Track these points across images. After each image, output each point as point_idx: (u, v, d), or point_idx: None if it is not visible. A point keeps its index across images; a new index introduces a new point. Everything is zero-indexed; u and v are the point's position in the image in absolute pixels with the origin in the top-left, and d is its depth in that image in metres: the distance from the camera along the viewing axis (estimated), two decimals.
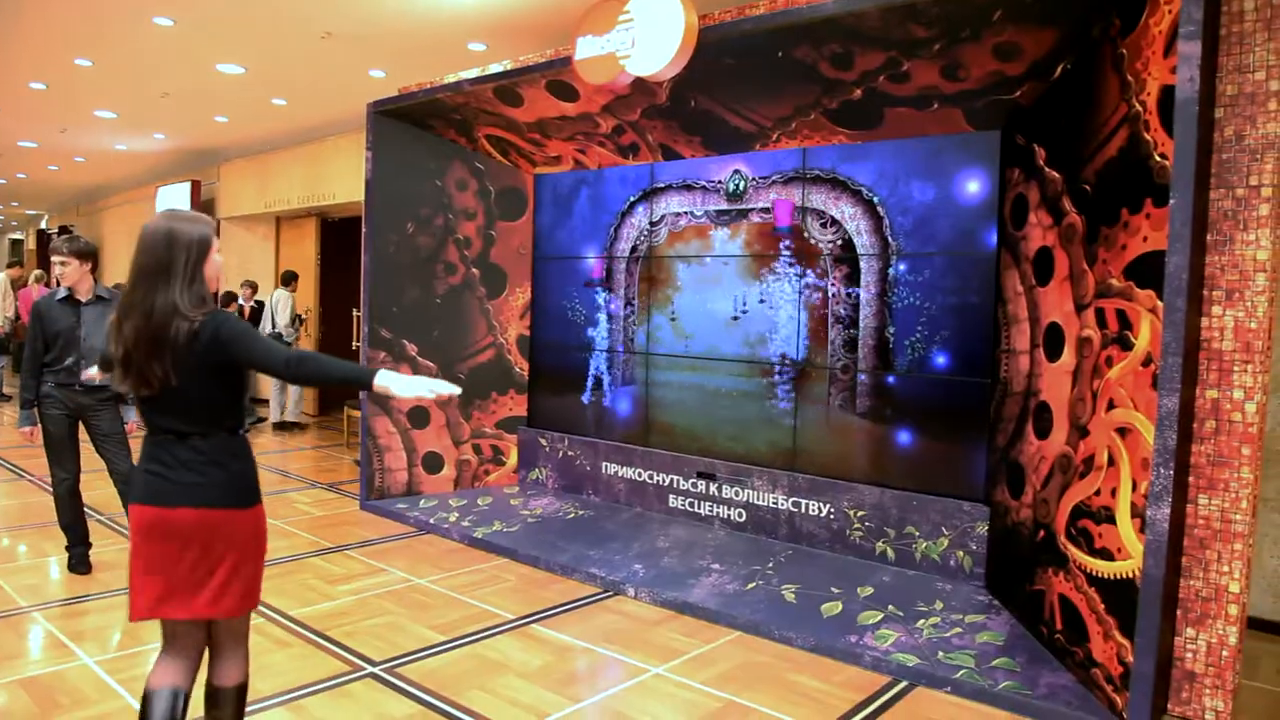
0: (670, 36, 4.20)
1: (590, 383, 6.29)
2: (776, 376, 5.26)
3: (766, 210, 5.28)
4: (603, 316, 6.20)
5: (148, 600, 2.37)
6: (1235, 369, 3.34)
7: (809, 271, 5.10)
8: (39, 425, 4.54)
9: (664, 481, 5.65)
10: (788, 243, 5.19)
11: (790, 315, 5.18)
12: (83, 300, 4.54)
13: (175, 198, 12.57)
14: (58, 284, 4.61)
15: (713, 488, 5.39)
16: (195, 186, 12.34)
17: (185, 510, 2.33)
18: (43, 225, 20.94)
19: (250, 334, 2.37)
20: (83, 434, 4.67)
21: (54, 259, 4.48)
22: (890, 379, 4.79)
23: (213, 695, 2.53)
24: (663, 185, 5.80)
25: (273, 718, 3.20)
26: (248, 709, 3.05)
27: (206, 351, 2.30)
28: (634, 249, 5.98)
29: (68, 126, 10.35)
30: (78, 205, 17.84)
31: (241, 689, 2.56)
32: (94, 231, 16.31)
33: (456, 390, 2.42)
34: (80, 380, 4.50)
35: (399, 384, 2.34)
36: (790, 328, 5.18)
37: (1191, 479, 3.41)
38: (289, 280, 9.80)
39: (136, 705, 3.23)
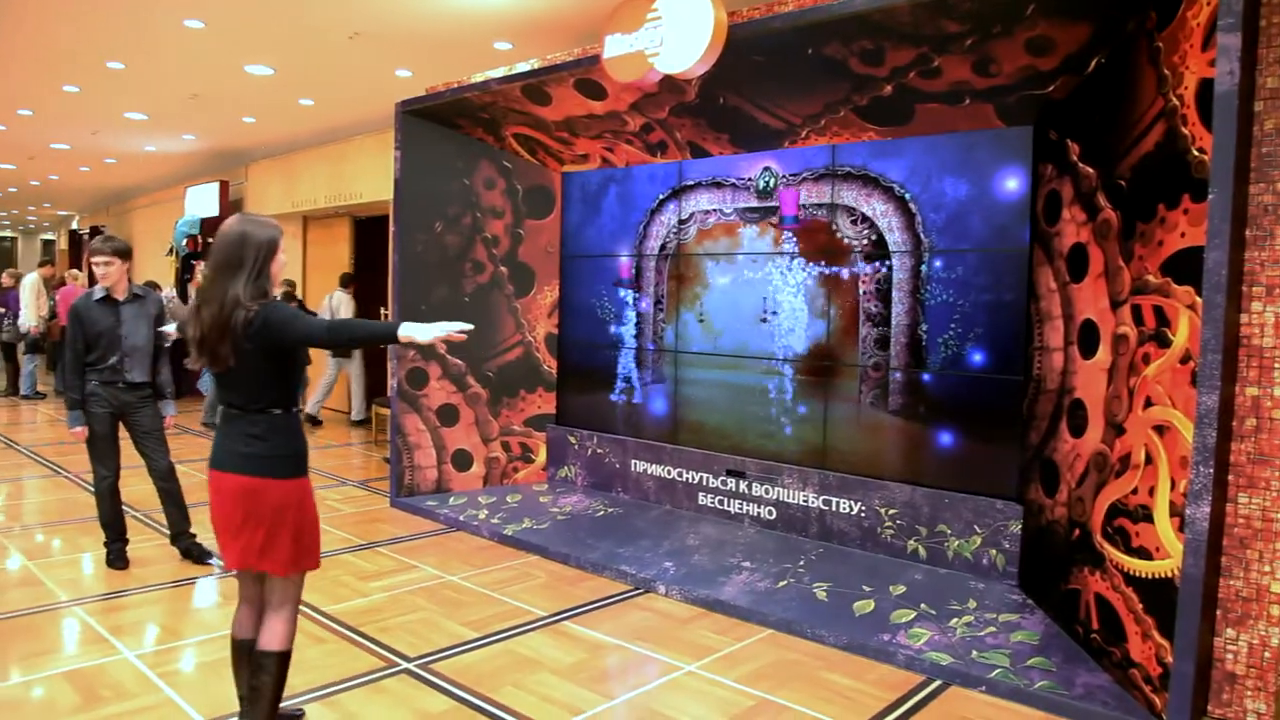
0: (699, 34, 4.19)
1: (619, 381, 6.30)
2: (806, 374, 5.25)
3: (798, 207, 5.27)
4: (631, 314, 6.21)
5: (223, 553, 2.79)
6: (1277, 365, 3.29)
7: (840, 269, 5.08)
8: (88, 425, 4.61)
9: (693, 479, 5.65)
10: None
11: (820, 312, 5.16)
12: (120, 299, 4.61)
13: (203, 198, 12.71)
14: (91, 283, 4.68)
15: (742, 485, 5.39)
16: (223, 187, 12.47)
17: (235, 476, 2.70)
18: (74, 225, 21.25)
19: (293, 316, 2.66)
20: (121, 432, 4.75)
21: (96, 259, 4.54)
22: (922, 376, 4.77)
23: (255, 659, 2.79)
24: (691, 183, 5.79)
25: (309, 713, 3.23)
26: (287, 703, 3.12)
27: (257, 335, 2.61)
28: (663, 247, 5.98)
29: (99, 129, 10.48)
30: (108, 206, 18.08)
31: (282, 657, 2.79)
32: (124, 231, 16.52)
33: (469, 327, 2.73)
34: (124, 377, 4.58)
35: (420, 332, 2.64)
36: (820, 325, 5.17)
37: (1231, 477, 3.37)
38: (347, 282, 9.92)
39: (177, 699, 3.31)
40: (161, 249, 12.90)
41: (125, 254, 4.62)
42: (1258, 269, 3.32)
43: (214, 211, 12.45)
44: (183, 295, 12.33)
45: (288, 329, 2.63)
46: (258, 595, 2.87)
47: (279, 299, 2.75)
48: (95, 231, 18.36)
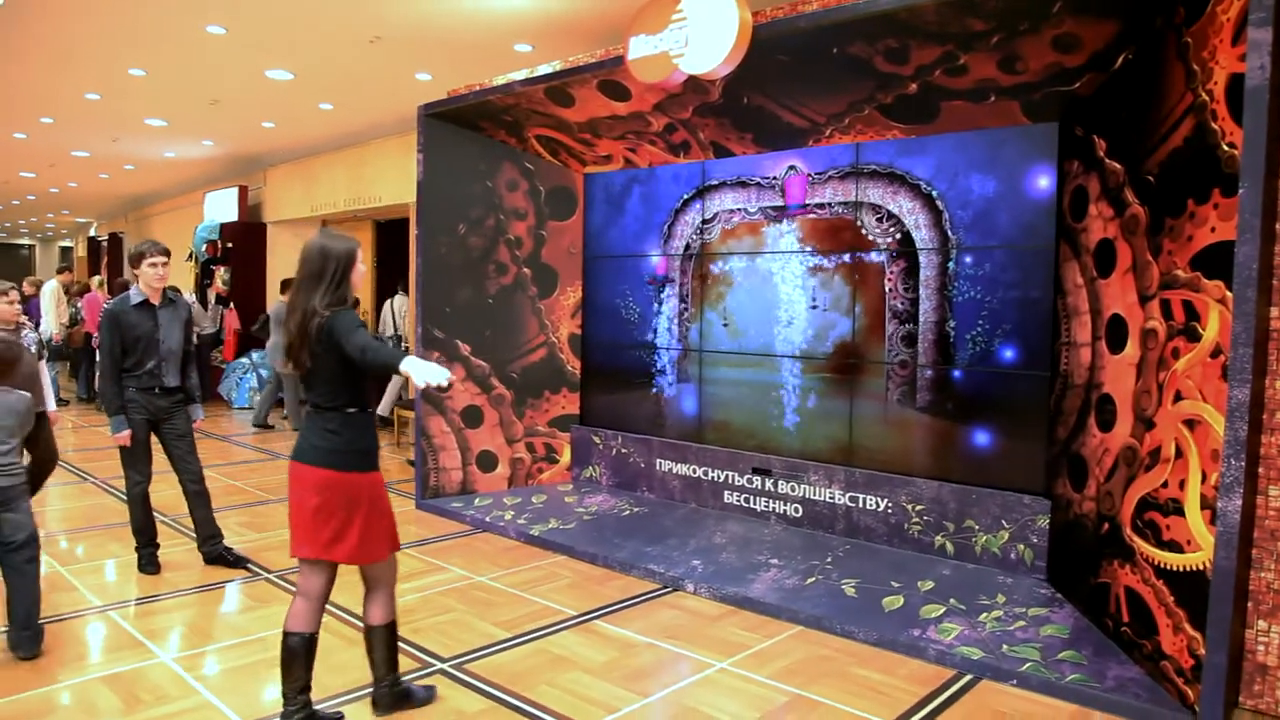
0: (724, 34, 4.22)
1: (643, 380, 6.33)
2: (832, 372, 5.27)
3: (822, 206, 5.29)
4: (655, 314, 6.24)
5: (293, 541, 2.98)
6: None
7: (867, 267, 5.10)
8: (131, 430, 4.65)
9: (719, 478, 5.68)
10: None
11: (847, 310, 5.18)
12: (156, 304, 4.67)
13: (222, 203, 12.80)
14: (124, 288, 4.73)
15: (768, 483, 5.41)
16: (242, 192, 12.57)
17: (310, 468, 2.93)
18: (92, 232, 21.42)
19: (351, 328, 2.84)
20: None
21: (152, 260, 4.58)
22: (948, 373, 4.78)
23: (366, 634, 3.17)
24: (716, 183, 5.82)
25: (347, 715, 3.27)
26: (324, 705, 3.17)
27: (325, 340, 2.86)
28: (687, 246, 6.01)
29: (120, 135, 10.59)
30: (126, 213, 18.22)
31: (389, 628, 3.15)
32: (142, 237, 16.63)
33: (453, 379, 3.06)
34: (161, 383, 4.64)
35: (417, 372, 2.67)
36: (846, 323, 5.19)
37: (1261, 470, 3.38)
38: (407, 287, 10.02)
39: (215, 701, 3.35)
40: (180, 254, 13.00)
41: (169, 255, 4.70)
42: None
43: (233, 216, 12.55)
44: (202, 300, 12.43)
45: (343, 340, 2.83)
46: (319, 589, 3.02)
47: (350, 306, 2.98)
48: (114, 238, 18.51)
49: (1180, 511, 3.33)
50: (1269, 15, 2.96)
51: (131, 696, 3.37)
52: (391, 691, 3.24)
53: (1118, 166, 3.84)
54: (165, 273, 4.65)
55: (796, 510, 5.28)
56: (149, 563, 4.86)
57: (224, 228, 12.49)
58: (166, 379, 4.68)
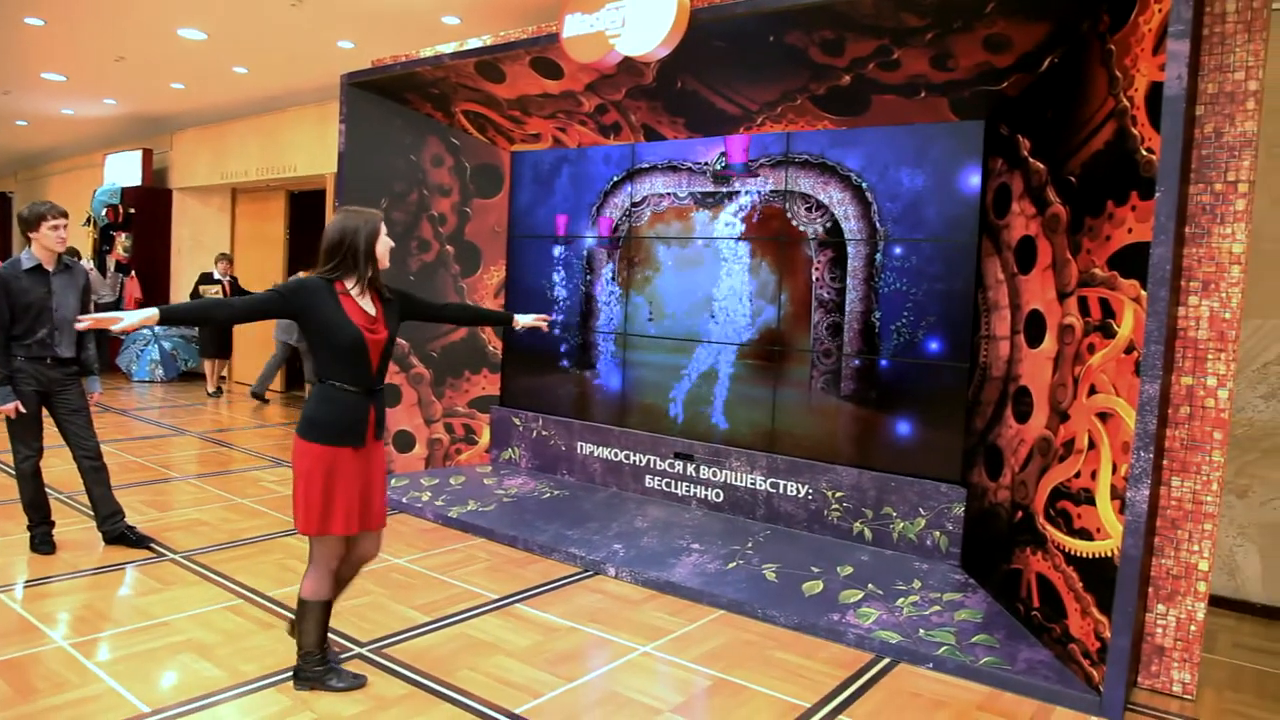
0: (662, 17, 4.19)
1: (565, 363, 6.28)
2: (757, 359, 5.31)
3: (751, 193, 5.31)
4: (580, 296, 6.18)
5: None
6: (1209, 357, 3.47)
7: (793, 255, 5.14)
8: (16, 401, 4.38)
9: (640, 462, 5.68)
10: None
11: (772, 298, 5.23)
12: (51, 270, 4.41)
13: (125, 166, 12.19)
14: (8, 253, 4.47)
15: (690, 468, 5.44)
16: (146, 155, 11.98)
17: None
18: None
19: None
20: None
21: (50, 222, 4.33)
22: (872, 362, 4.87)
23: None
24: (646, 166, 5.79)
25: (263, 700, 3.16)
26: (242, 689, 3.06)
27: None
28: (615, 229, 5.97)
29: (11, 89, 9.96)
30: (15, 171, 17.18)
31: (299, 600, 3.20)
32: (37, 198, 15.70)
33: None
34: (53, 353, 4.39)
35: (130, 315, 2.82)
36: (772, 310, 5.23)
37: (1165, 462, 3.54)
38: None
39: (118, 688, 3.20)
40: (78, 219, 12.32)
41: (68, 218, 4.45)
42: (1195, 265, 3.49)
43: (136, 180, 11.96)
44: (101, 267, 11.83)
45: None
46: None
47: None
48: (2, 199, 17.45)
49: (1091, 501, 3.47)
50: (1188, 28, 3.08)
51: (25, 685, 3.18)
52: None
53: (1041, 166, 3.95)
54: (66, 235, 4.40)
55: (718, 495, 5.32)
56: (43, 542, 4.61)
57: (126, 192, 11.89)
58: (59, 349, 4.43)
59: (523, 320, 3.82)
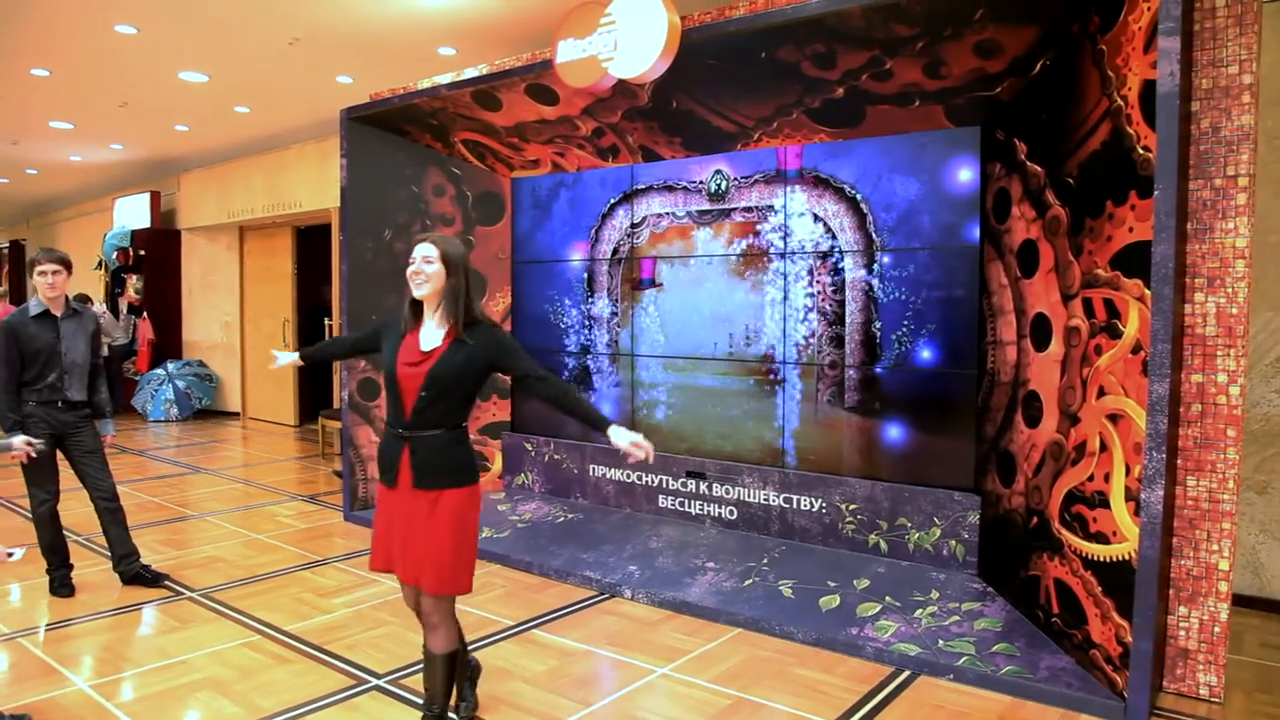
0: (653, 38, 4.21)
1: (574, 385, 6.28)
2: (763, 374, 5.30)
3: (749, 209, 5.32)
4: (585, 319, 6.19)
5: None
6: (1219, 353, 3.44)
7: (794, 270, 5.14)
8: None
9: (653, 482, 5.66)
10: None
11: (775, 313, 5.22)
12: (58, 314, 4.45)
13: (134, 209, 12.33)
14: (17, 300, 4.52)
15: (702, 486, 5.42)
16: (154, 197, 12.12)
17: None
18: None
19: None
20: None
21: (42, 269, 4.38)
22: (878, 373, 4.85)
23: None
24: (644, 186, 5.80)
25: None
26: None
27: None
28: (615, 250, 5.98)
29: (20, 139, 10.10)
30: (28, 219, 17.40)
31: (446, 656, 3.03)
32: (48, 244, 15.88)
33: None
34: (64, 396, 4.43)
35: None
36: (776, 325, 5.22)
37: (1180, 461, 3.51)
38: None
39: None
40: (89, 262, 12.47)
41: (69, 265, 4.49)
42: (1199, 261, 3.47)
43: (145, 223, 12.09)
44: (114, 310, 11.94)
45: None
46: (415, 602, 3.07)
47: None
48: (15, 246, 17.66)
49: (1106, 504, 3.43)
50: (1177, 25, 3.07)
51: None
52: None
53: (1038, 169, 3.95)
54: (57, 281, 4.40)
55: (731, 512, 5.29)
56: (62, 585, 4.63)
57: (136, 234, 12.02)
58: (70, 393, 4.47)
59: (617, 440, 2.90)
